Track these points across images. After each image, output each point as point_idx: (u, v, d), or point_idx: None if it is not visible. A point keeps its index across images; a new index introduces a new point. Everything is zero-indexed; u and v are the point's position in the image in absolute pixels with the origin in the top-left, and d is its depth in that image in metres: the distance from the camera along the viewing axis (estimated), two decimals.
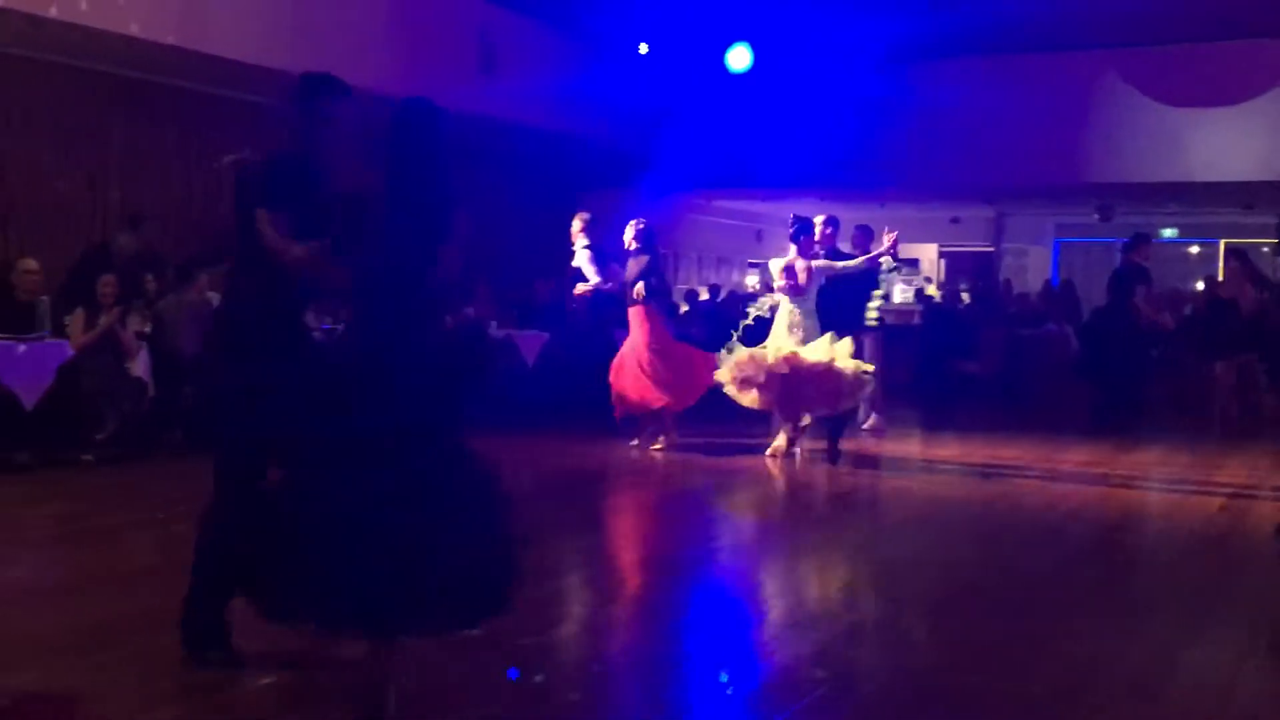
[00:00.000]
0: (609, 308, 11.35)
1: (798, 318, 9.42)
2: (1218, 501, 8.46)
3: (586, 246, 10.15)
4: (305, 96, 4.21)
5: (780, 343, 9.42)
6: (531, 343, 12.63)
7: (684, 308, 16.06)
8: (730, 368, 9.44)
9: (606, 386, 9.98)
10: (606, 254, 10.49)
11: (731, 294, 18.09)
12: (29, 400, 8.26)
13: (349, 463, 3.69)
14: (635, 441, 10.04)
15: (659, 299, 9.97)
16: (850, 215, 12.07)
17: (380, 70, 11.48)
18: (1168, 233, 21.01)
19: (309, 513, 3.67)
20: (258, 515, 3.82)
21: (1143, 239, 12.57)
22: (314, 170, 4.17)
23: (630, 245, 9.91)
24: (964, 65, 15.36)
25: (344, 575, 3.58)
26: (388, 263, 3.87)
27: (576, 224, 10.14)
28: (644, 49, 14.78)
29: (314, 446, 3.80)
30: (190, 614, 4.17)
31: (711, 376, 9.67)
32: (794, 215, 9.90)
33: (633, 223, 9.98)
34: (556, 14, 13.73)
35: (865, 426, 11.30)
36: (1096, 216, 18.79)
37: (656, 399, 9.77)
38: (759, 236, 22.68)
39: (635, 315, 9.86)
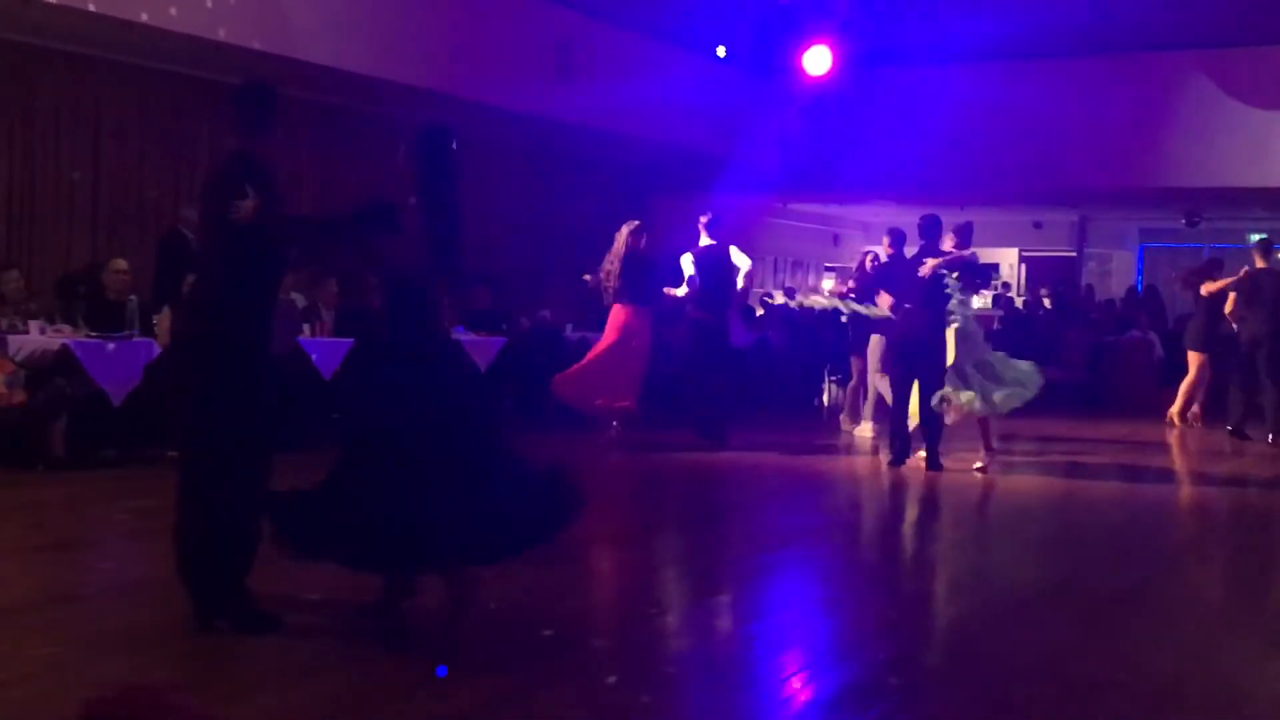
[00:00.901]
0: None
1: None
2: None
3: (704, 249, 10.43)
4: (265, 102, 4.80)
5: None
6: None
7: (759, 311, 16.00)
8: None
9: (678, 386, 10.04)
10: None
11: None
12: (117, 398, 8.45)
13: (402, 437, 4.38)
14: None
15: (636, 300, 10.04)
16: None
17: (458, 75, 11.60)
18: (1256, 238, 20.51)
19: (380, 482, 4.33)
20: (334, 486, 4.43)
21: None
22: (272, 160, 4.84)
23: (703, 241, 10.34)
24: (1047, 67, 15.13)
25: (416, 524, 4.27)
26: (412, 265, 4.55)
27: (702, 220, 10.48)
28: (722, 52, 14.76)
29: (373, 433, 4.49)
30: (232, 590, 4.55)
31: (610, 402, 9.72)
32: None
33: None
34: (634, 18, 13.74)
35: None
36: (1182, 221, 18.41)
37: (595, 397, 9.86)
38: (835, 240, 22.54)
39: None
